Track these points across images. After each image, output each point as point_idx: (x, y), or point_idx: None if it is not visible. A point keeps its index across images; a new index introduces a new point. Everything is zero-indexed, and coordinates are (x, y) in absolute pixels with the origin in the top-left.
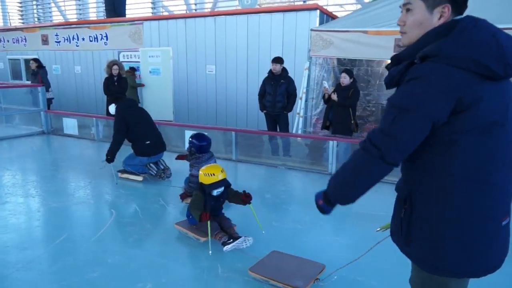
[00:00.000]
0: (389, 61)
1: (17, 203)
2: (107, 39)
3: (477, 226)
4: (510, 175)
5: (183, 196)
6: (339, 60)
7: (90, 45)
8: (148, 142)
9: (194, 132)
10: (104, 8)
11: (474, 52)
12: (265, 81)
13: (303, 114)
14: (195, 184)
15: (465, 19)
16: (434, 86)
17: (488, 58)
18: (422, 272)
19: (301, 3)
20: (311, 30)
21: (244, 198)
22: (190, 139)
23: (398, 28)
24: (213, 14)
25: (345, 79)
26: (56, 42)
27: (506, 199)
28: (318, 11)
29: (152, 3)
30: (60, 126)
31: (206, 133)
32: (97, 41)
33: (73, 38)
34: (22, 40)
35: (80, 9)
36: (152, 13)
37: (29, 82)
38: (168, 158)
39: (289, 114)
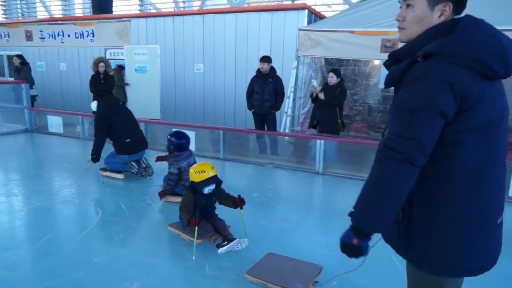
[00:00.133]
0: (376, 62)
1: None
2: (93, 36)
3: (476, 225)
4: (504, 173)
5: (161, 194)
6: (326, 59)
7: (75, 41)
8: (129, 140)
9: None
10: (91, 4)
11: (477, 52)
12: (253, 80)
13: (290, 113)
14: (173, 182)
15: (466, 18)
16: (441, 83)
17: (491, 58)
18: (420, 273)
19: (290, 2)
20: (299, 29)
21: (238, 202)
22: (169, 137)
23: (384, 29)
24: (202, 12)
25: (333, 79)
26: (40, 38)
27: (501, 197)
28: (306, 10)
29: (140, 0)
30: (45, 124)
31: (185, 131)
32: (83, 37)
33: (58, 34)
34: (5, 36)
35: (65, 5)
36: (140, 10)
37: (12, 79)
38: (151, 157)
39: (277, 113)
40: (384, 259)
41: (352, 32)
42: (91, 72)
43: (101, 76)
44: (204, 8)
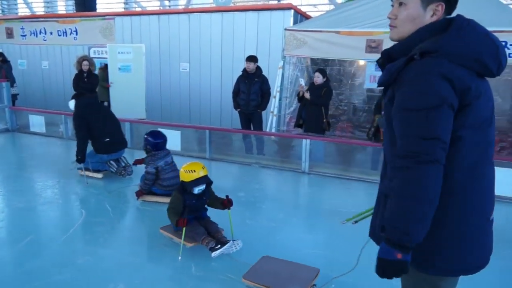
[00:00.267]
0: (361, 62)
1: None
2: (76, 34)
3: (473, 223)
4: (493, 171)
5: (138, 194)
6: (312, 59)
7: (58, 39)
8: (108, 139)
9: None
10: (74, 2)
11: (474, 50)
12: (239, 80)
13: (276, 112)
14: (150, 181)
15: (459, 18)
16: (442, 79)
17: (486, 57)
18: (416, 274)
19: (276, 2)
20: (285, 29)
21: (226, 203)
22: (145, 136)
23: (369, 29)
24: (187, 11)
25: (318, 78)
26: (22, 35)
27: (493, 194)
28: (292, 10)
29: None
30: (26, 123)
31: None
32: (66, 35)
33: (40, 32)
34: None
35: (47, 2)
36: (124, 8)
37: None
38: (134, 156)
39: (263, 113)
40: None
41: (338, 32)
42: (75, 71)
43: (85, 74)
44: (190, 7)
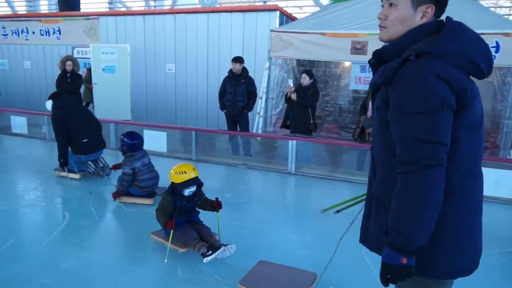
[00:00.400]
0: (346, 63)
1: None
2: (60, 34)
3: (470, 224)
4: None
5: (115, 195)
6: (298, 61)
7: (41, 39)
8: (86, 140)
9: (128, 130)
10: (57, 1)
11: (468, 52)
12: (225, 81)
13: (263, 113)
14: (127, 182)
15: (450, 20)
16: (440, 80)
17: (479, 58)
18: (414, 278)
19: (261, 3)
20: (271, 30)
21: (215, 205)
22: (122, 137)
23: (354, 31)
24: (173, 12)
25: (305, 80)
26: (3, 35)
27: (483, 194)
28: (278, 12)
29: None
30: (8, 124)
31: (135, 132)
32: (49, 35)
33: (22, 31)
34: None
35: (30, 1)
36: (109, 8)
37: None
38: (116, 157)
39: (249, 114)
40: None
41: (323, 34)
42: (58, 71)
43: (68, 75)
44: (176, 7)
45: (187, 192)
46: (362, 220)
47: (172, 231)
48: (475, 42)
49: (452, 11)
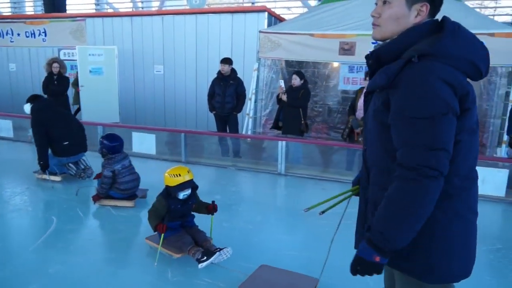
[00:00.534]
0: (335, 64)
1: None
2: (45, 36)
3: (468, 226)
4: None
5: (95, 198)
6: (287, 61)
7: (26, 41)
8: (67, 143)
9: (107, 133)
10: (42, 2)
11: (469, 53)
12: (214, 82)
13: (252, 115)
14: (107, 185)
15: (449, 21)
16: (445, 84)
17: (478, 59)
18: (416, 283)
19: (250, 4)
20: (260, 31)
21: (211, 208)
22: (101, 139)
23: (342, 32)
24: (161, 13)
25: (296, 80)
26: None
27: (477, 197)
28: (266, 13)
29: None
30: None
31: (115, 134)
32: (35, 37)
33: (7, 33)
34: None
35: (14, 2)
36: (96, 9)
37: None
38: (97, 160)
39: (239, 115)
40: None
41: (311, 35)
42: (44, 73)
43: (55, 77)
44: (163, 9)
45: (181, 195)
46: (356, 225)
47: (163, 234)
48: (474, 43)
49: (440, 11)
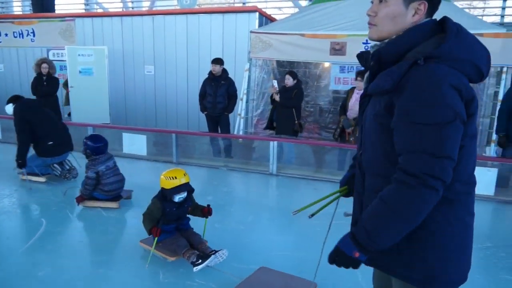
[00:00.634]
0: (326, 64)
1: None
2: (34, 36)
3: (467, 231)
4: None
5: (79, 199)
6: (278, 62)
7: (14, 41)
8: (51, 142)
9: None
10: (31, 2)
11: (472, 56)
12: (205, 82)
13: (244, 115)
14: (91, 186)
15: (451, 21)
16: (454, 89)
17: (480, 62)
18: None
19: (241, 5)
20: (251, 32)
21: (206, 211)
22: (85, 140)
23: (333, 32)
24: (151, 13)
25: (289, 81)
26: None
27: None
28: (257, 13)
29: None
30: None
31: (100, 135)
32: (23, 37)
33: None
34: None
35: (1, 2)
36: (85, 9)
37: None
38: (81, 159)
39: (230, 115)
40: None
41: (302, 35)
42: (33, 74)
43: (44, 78)
44: (154, 9)
45: (177, 198)
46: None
47: (156, 238)
48: (476, 45)
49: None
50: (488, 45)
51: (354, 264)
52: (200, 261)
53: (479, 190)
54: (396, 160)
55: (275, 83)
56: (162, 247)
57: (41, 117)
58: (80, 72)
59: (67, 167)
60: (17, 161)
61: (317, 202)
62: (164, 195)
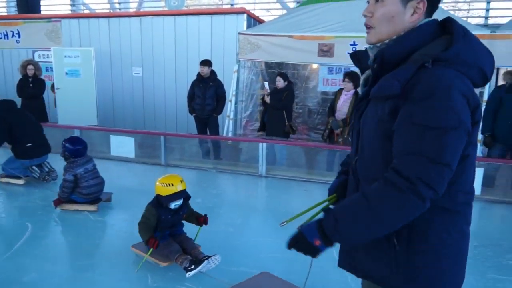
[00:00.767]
0: (314, 65)
1: None
2: (19, 37)
3: (466, 240)
4: None
5: (56, 202)
6: (267, 63)
7: None
8: (30, 144)
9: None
10: (16, 3)
11: (478, 60)
12: (194, 84)
13: (233, 116)
14: (68, 189)
15: (457, 23)
16: (462, 97)
17: (486, 66)
18: None
19: (229, 6)
20: (239, 33)
21: (201, 221)
22: (63, 142)
23: (321, 34)
24: (139, 14)
25: (280, 82)
26: None
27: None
28: (245, 14)
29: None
30: None
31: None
32: (7, 38)
33: None
34: None
35: None
36: (72, 10)
37: None
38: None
39: (219, 117)
40: None
41: (291, 36)
42: (19, 76)
43: (30, 79)
44: (142, 10)
45: (173, 205)
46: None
47: (151, 249)
48: (482, 49)
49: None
50: None
51: (312, 252)
52: (193, 266)
53: None
54: None
55: (266, 85)
56: (155, 252)
57: (18, 119)
58: (66, 73)
59: (46, 169)
60: None
61: (305, 212)
62: (160, 202)
